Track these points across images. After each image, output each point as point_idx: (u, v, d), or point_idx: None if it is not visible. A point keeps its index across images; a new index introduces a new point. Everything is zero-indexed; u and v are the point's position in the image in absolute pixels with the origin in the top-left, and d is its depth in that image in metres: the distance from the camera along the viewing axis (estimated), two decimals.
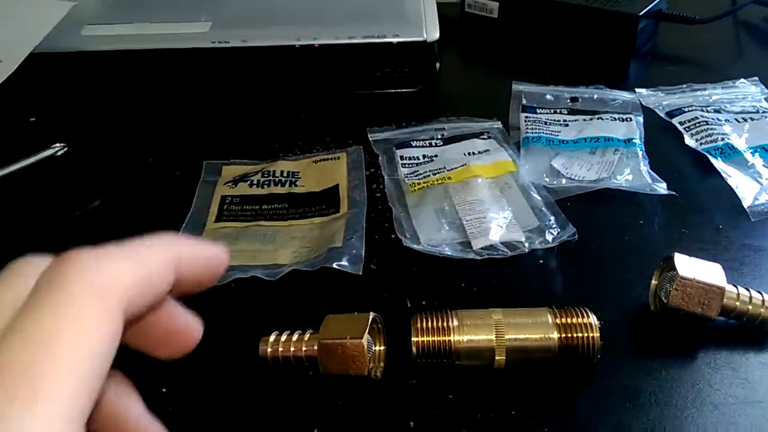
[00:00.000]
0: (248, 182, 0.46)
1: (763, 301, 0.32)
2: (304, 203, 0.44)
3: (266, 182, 0.46)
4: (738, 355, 0.32)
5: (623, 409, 0.30)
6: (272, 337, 0.32)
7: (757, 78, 0.54)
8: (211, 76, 0.57)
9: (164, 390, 0.32)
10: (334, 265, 0.38)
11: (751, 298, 0.32)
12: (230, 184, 0.46)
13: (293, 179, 0.46)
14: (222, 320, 0.36)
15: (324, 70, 0.56)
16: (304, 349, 0.31)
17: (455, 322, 0.31)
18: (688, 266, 0.32)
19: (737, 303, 0.32)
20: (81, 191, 0.46)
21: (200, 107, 0.56)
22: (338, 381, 0.31)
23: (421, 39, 0.55)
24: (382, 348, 0.32)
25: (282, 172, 0.47)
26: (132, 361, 0.33)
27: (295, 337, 0.32)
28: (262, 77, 0.56)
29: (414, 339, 0.31)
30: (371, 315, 0.31)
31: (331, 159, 0.48)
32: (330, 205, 0.44)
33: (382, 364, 0.32)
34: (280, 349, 0.32)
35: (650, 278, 0.35)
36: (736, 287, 0.32)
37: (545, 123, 0.50)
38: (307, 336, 0.32)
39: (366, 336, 0.30)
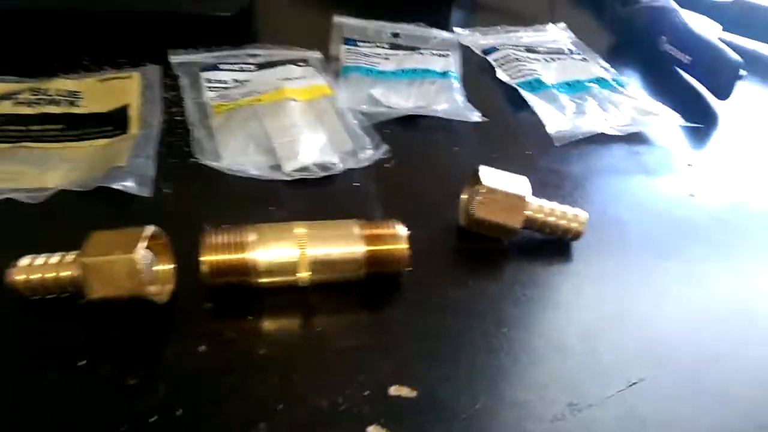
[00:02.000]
0: (13, 100, 0.38)
1: (564, 212, 0.32)
2: (85, 124, 0.37)
3: (37, 101, 0.38)
4: (541, 265, 0.32)
5: (430, 317, 0.28)
6: (24, 262, 0.26)
7: (564, 24, 0.57)
8: None
9: None
10: (117, 186, 0.32)
11: (553, 210, 0.32)
12: None
13: (73, 99, 0.39)
14: None
15: None
16: (64, 272, 0.26)
17: (253, 237, 0.28)
18: (493, 177, 0.32)
19: (540, 215, 0.32)
20: None
21: None
22: (114, 307, 0.26)
23: None
24: (168, 267, 0.28)
25: (58, 90, 0.40)
26: None
27: (53, 260, 0.26)
28: None
29: (204, 257, 0.27)
30: (150, 228, 0.26)
31: (121, 78, 0.42)
32: (117, 126, 0.37)
33: (169, 286, 0.27)
34: (35, 274, 0.26)
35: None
36: (539, 199, 0.32)
37: (366, 55, 0.48)
38: (69, 257, 0.26)
39: (140, 250, 0.25)
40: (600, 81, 0.48)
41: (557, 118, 0.43)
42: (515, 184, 0.32)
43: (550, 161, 0.40)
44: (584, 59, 0.51)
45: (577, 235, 0.33)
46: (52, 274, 0.26)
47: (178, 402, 0.24)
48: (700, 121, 0.45)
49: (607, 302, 0.30)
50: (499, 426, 0.24)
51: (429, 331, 0.28)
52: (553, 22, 0.57)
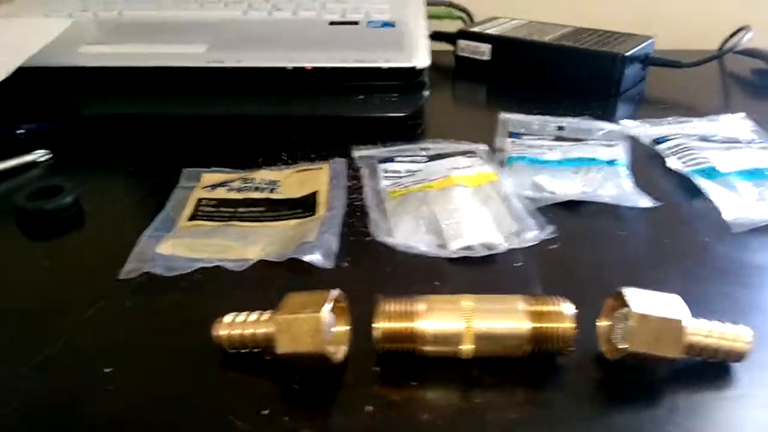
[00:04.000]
0: (227, 187, 0.46)
1: (722, 332, 0.29)
2: (282, 207, 0.43)
3: (245, 188, 0.45)
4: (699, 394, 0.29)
5: (594, 400, 0.28)
6: (227, 319, 0.30)
7: (744, 114, 0.54)
8: (205, 95, 0.57)
9: (109, 370, 0.30)
10: (305, 258, 0.36)
11: (711, 330, 0.28)
12: (208, 188, 0.46)
13: (273, 186, 0.46)
14: (182, 309, 0.34)
15: (314, 92, 0.57)
16: (260, 329, 0.30)
17: (422, 307, 0.30)
18: (643, 301, 0.28)
19: (699, 337, 0.28)
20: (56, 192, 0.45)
21: (189, 122, 0.56)
22: (296, 364, 0.29)
23: (410, 65, 0.56)
24: (345, 329, 0.31)
25: (262, 179, 0.46)
26: (81, 340, 0.31)
27: (252, 317, 0.30)
28: (253, 97, 0.57)
29: (376, 323, 0.29)
30: (334, 291, 0.30)
31: (313, 169, 0.48)
32: (307, 209, 0.43)
33: (344, 347, 0.30)
34: (235, 330, 0.30)
35: (596, 319, 0.30)
36: (695, 318, 0.28)
37: (530, 146, 0.50)
38: (265, 316, 0.30)
39: (325, 311, 0.28)
40: None
41: (735, 203, 0.41)
42: (669, 305, 0.28)
43: (729, 249, 0.38)
44: (765, 147, 0.49)
45: (740, 357, 0.29)
46: (249, 331, 0.30)
47: None
48: None
49: None
50: None
51: (592, 415, 0.27)
52: (731, 112, 0.55)
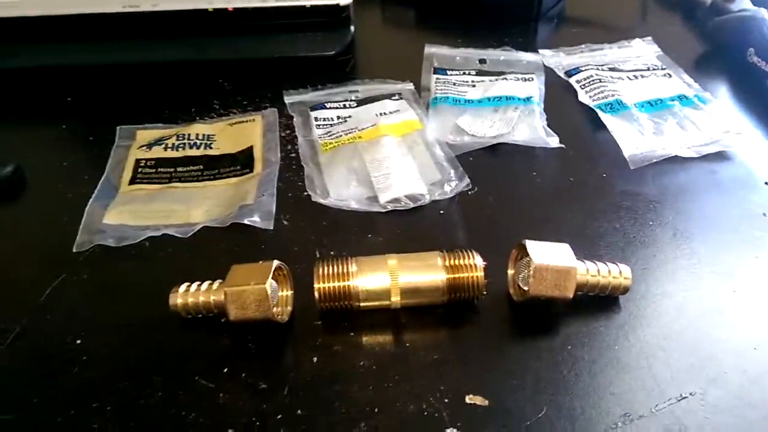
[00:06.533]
0: (163, 146, 0.47)
1: (609, 271, 0.34)
2: (219, 165, 0.45)
3: (181, 145, 0.47)
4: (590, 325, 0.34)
5: (503, 336, 0.33)
6: (182, 288, 0.34)
7: (650, 38, 0.58)
8: (125, 42, 0.56)
9: (78, 342, 0.33)
10: (246, 221, 0.39)
11: (599, 270, 0.34)
12: (144, 147, 0.47)
13: (208, 142, 0.47)
14: (137, 277, 0.37)
15: (239, 34, 0.57)
16: (212, 297, 0.33)
17: (354, 268, 0.34)
18: (541, 252, 0.33)
19: (588, 277, 0.34)
20: None
21: (115, 73, 0.55)
22: (248, 325, 0.33)
23: (334, 2, 0.56)
24: (288, 293, 0.35)
25: (197, 135, 0.48)
26: (48, 313, 0.34)
27: (203, 287, 0.34)
28: (176, 42, 0.56)
29: (316, 285, 0.33)
30: (275, 262, 0.33)
31: (247, 121, 0.49)
32: (244, 165, 0.45)
33: (289, 308, 0.34)
34: (190, 299, 0.33)
35: (507, 266, 0.35)
36: (584, 262, 0.34)
37: (454, 84, 0.53)
38: (215, 285, 0.34)
39: (269, 281, 0.32)
40: (682, 98, 0.49)
41: (634, 139, 0.45)
42: (562, 254, 0.33)
43: (626, 183, 0.43)
44: (668, 75, 0.53)
45: (625, 291, 0.34)
46: (202, 299, 0.33)
47: (298, 403, 0.30)
48: None
49: (666, 322, 0.34)
50: None
51: (501, 348, 0.33)
52: (640, 36, 0.58)
